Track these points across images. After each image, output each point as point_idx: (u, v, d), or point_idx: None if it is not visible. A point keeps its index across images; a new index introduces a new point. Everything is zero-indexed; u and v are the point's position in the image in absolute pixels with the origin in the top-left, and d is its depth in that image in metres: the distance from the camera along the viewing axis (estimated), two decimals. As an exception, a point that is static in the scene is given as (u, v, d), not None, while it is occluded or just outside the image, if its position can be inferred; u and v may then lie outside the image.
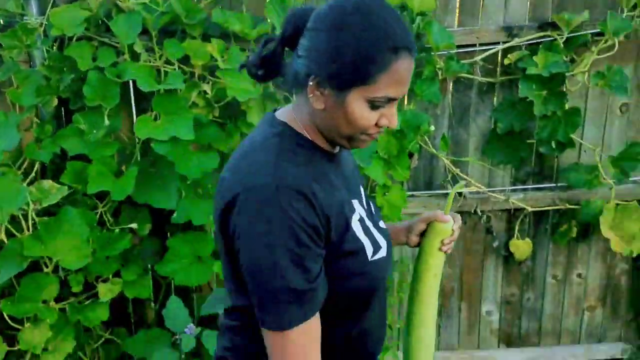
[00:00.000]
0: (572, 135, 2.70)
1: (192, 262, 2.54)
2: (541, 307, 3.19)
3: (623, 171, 2.69)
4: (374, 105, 1.15)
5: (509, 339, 3.24)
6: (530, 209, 2.91)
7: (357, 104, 1.15)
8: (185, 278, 2.52)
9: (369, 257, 1.25)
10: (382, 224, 1.41)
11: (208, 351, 2.30)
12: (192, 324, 2.41)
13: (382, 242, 1.32)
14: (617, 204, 2.76)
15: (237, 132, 2.54)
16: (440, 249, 1.44)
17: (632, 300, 3.18)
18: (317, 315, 1.16)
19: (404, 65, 1.14)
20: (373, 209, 1.41)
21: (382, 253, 1.30)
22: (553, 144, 2.63)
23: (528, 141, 2.79)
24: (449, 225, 1.41)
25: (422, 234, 1.48)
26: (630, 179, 2.84)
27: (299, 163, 1.18)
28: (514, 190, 2.99)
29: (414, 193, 2.93)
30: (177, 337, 2.41)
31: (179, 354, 2.31)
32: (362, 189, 1.42)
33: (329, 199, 1.18)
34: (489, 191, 2.87)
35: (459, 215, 1.50)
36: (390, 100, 1.17)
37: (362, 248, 1.24)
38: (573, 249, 3.08)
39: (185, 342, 2.33)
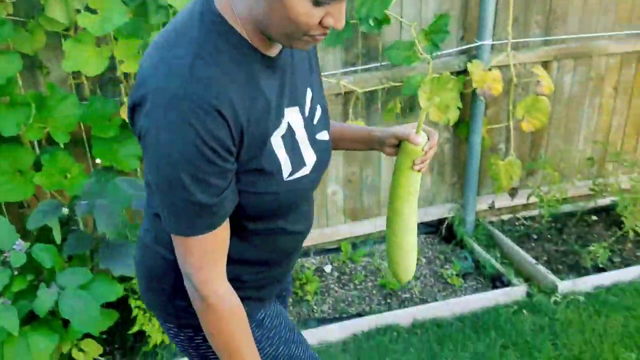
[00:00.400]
0: (389, 12, 2.71)
1: (11, 176, 2.31)
2: (379, 182, 3.37)
3: (434, 43, 2.76)
4: (317, 1, 0.97)
5: (354, 214, 3.41)
6: (360, 91, 2.96)
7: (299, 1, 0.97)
8: (7, 194, 2.31)
9: (284, 177, 1.15)
10: (322, 134, 1.28)
11: (40, 264, 2.17)
12: (20, 240, 2.24)
13: (310, 158, 1.21)
14: (434, 78, 2.88)
15: (40, 29, 2.26)
16: (412, 168, 1.34)
17: (455, 165, 3.45)
18: (223, 224, 1.11)
19: None
20: (318, 117, 1.27)
21: (305, 171, 1.19)
22: (370, 22, 2.62)
23: (351, 21, 2.77)
24: (419, 147, 1.32)
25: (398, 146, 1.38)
26: (443, 51, 2.94)
27: (220, 65, 1.02)
28: (344, 74, 3.01)
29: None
30: (5, 254, 2.24)
31: (10, 270, 2.15)
32: (309, 94, 1.25)
33: (248, 111, 1.06)
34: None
35: (436, 132, 1.36)
36: None
37: (277, 168, 1.13)
38: (401, 124, 3.22)
39: (15, 259, 2.17)
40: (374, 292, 3.03)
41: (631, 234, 3.23)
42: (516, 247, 3.21)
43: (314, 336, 2.62)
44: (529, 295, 2.88)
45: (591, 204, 3.50)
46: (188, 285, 1.15)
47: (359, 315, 2.83)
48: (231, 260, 1.18)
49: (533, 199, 3.37)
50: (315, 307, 2.94)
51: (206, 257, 1.11)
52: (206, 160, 1.01)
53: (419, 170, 1.35)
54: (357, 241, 3.41)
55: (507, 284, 3.00)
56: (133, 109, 1.06)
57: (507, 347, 2.54)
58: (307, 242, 3.30)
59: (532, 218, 3.57)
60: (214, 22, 1.05)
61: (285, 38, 1.05)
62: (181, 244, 1.11)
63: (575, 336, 2.57)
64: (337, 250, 3.35)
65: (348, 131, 1.50)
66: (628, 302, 2.79)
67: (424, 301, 2.96)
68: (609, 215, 3.52)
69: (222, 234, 1.12)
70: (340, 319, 2.80)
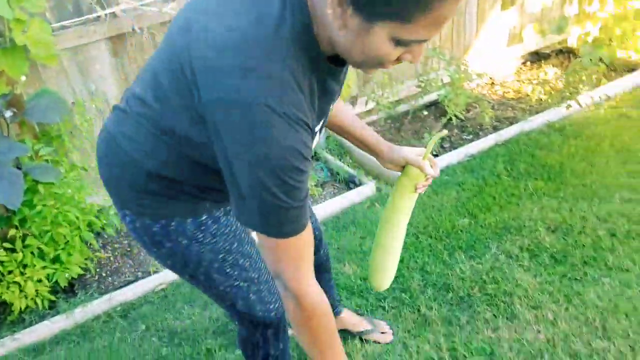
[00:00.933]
0: None
1: None
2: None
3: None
4: (400, 43, 0.92)
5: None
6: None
7: (382, 40, 0.92)
8: None
9: None
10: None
11: None
12: None
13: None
14: None
15: None
16: (415, 191, 1.44)
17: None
18: (308, 226, 1.11)
19: (449, 7, 0.87)
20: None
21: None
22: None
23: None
24: (425, 172, 1.42)
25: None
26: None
27: (300, 82, 0.98)
28: (165, 1, 2.81)
29: (64, 24, 2.54)
30: None
31: None
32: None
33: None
34: (141, 5, 2.64)
35: (436, 161, 1.46)
36: (421, 42, 0.93)
37: None
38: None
39: None
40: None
41: (455, 121, 3.52)
42: (363, 151, 3.35)
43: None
44: (378, 190, 3.06)
45: (421, 100, 3.74)
46: (279, 284, 1.18)
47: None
48: (194, 169, 1.19)
49: (371, 105, 3.51)
50: (184, 241, 2.87)
51: (297, 258, 1.12)
52: (301, 171, 1.01)
53: (419, 192, 1.47)
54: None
55: (359, 184, 3.16)
56: (189, 85, 1.01)
57: (364, 237, 2.69)
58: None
59: (374, 123, 3.74)
60: (301, 29, 0.99)
61: (359, 65, 1.02)
62: (272, 246, 1.10)
63: (419, 214, 2.79)
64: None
65: (360, 132, 1.56)
66: (459, 179, 3.06)
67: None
68: (437, 108, 3.79)
69: (308, 235, 1.12)
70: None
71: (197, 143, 1.11)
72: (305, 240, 1.12)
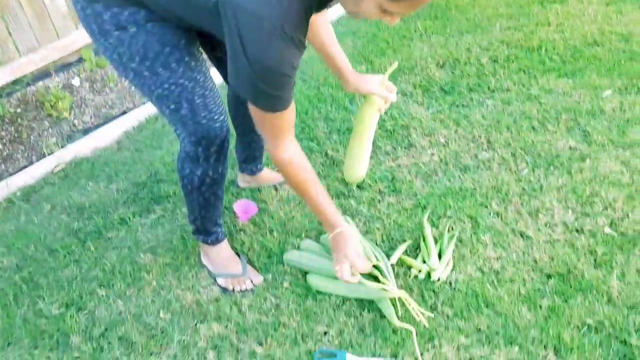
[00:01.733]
0: None
1: None
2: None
3: None
4: (386, 12, 1.15)
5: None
6: None
7: (372, 6, 1.14)
8: None
9: None
10: None
11: None
12: None
13: None
14: None
15: None
16: (377, 113, 1.72)
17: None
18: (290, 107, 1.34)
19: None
20: None
21: None
22: None
23: None
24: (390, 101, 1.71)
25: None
26: None
27: (307, 11, 1.20)
28: None
29: None
30: None
31: None
32: None
33: None
34: None
35: (394, 87, 1.71)
36: (402, 14, 1.17)
37: None
38: None
39: None
40: (133, 88, 2.85)
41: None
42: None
43: (86, 147, 2.44)
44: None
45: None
46: (266, 146, 1.46)
47: (125, 113, 2.69)
48: None
49: None
50: (75, 121, 2.69)
51: (277, 129, 1.37)
52: (289, 77, 1.24)
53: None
54: (99, 47, 3.08)
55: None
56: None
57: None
58: (45, 62, 2.89)
59: None
60: None
61: (348, 12, 1.23)
62: (258, 115, 1.34)
63: (317, 66, 2.76)
64: (80, 61, 3.00)
65: (336, 54, 1.69)
66: (352, 28, 3.05)
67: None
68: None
69: (290, 114, 1.36)
70: (106, 123, 2.63)
71: None
72: (286, 118, 1.35)
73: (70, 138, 2.54)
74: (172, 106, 1.43)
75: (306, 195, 1.52)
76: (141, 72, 1.38)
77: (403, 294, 1.55)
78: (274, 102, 1.30)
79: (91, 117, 2.68)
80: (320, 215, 1.56)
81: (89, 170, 2.33)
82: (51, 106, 2.67)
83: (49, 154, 2.42)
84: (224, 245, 1.84)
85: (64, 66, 2.95)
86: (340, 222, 1.55)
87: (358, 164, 1.82)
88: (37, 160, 2.40)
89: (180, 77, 1.39)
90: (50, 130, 2.62)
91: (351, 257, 1.51)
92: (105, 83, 2.87)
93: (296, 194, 1.55)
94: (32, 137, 2.54)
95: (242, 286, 1.77)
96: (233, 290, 1.76)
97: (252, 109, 1.34)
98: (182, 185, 1.67)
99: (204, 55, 1.53)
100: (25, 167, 2.36)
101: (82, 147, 2.43)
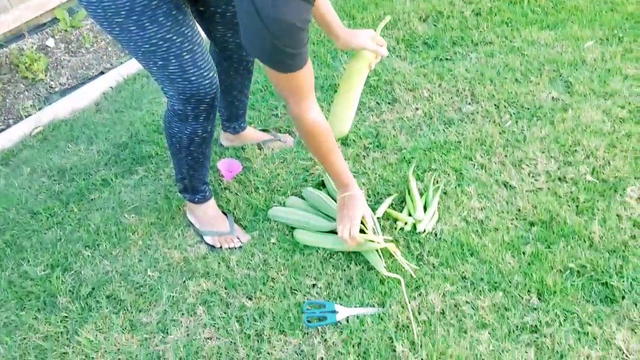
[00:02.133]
0: None
1: None
2: None
3: None
4: None
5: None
6: None
7: None
8: None
9: None
10: None
11: None
12: None
13: None
14: None
15: None
16: (368, 69, 1.67)
17: None
18: (307, 64, 1.31)
19: None
20: None
21: None
22: None
23: None
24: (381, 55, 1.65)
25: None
26: None
27: None
28: None
29: None
30: None
31: None
32: None
33: None
34: None
35: (384, 41, 1.65)
36: None
37: None
38: None
39: None
40: (110, 48, 2.76)
41: None
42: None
43: (64, 109, 2.37)
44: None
45: None
46: (288, 111, 1.49)
47: (102, 74, 2.61)
48: None
49: None
50: (52, 83, 2.60)
51: (297, 91, 1.34)
52: (303, 30, 1.19)
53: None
54: (72, 5, 2.96)
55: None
56: None
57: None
58: (17, 23, 2.78)
59: None
60: None
61: None
62: (276, 79, 1.30)
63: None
64: (54, 21, 2.89)
65: (327, 11, 1.60)
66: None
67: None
68: None
69: (308, 73, 1.32)
70: (83, 84, 2.55)
71: None
72: (306, 77, 1.32)
73: (47, 100, 2.47)
74: (160, 62, 1.38)
75: (328, 158, 1.52)
76: (128, 26, 1.31)
77: (391, 246, 1.56)
78: (292, 61, 1.26)
79: (68, 79, 2.60)
80: (338, 176, 1.58)
81: (68, 132, 2.28)
82: (26, 68, 2.58)
83: (26, 117, 2.35)
84: (211, 203, 1.82)
85: (37, 27, 2.85)
86: (355, 185, 1.60)
87: (344, 119, 1.79)
88: (14, 123, 2.33)
89: (169, 32, 1.33)
90: (26, 92, 2.54)
91: (354, 220, 1.55)
92: (81, 44, 2.77)
93: (315, 156, 1.54)
94: (7, 100, 2.46)
95: (230, 244, 1.76)
96: (221, 247, 1.76)
97: (272, 75, 1.30)
98: (170, 144, 1.64)
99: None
100: (2, 130, 2.30)
101: (60, 109, 2.36)
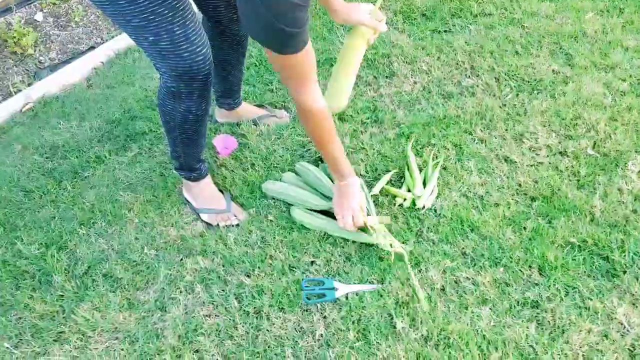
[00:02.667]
0: None
1: None
2: None
3: None
4: None
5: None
6: None
7: None
8: None
9: None
10: None
11: None
12: None
13: None
14: None
15: None
16: (366, 45, 1.60)
17: None
18: (308, 47, 1.26)
19: None
20: None
21: None
22: None
23: None
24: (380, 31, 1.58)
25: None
26: None
27: None
28: None
29: None
30: None
31: None
32: None
33: None
34: None
35: (384, 15, 1.58)
36: None
37: None
38: None
39: None
40: (100, 22, 2.68)
41: None
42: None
43: (54, 84, 2.31)
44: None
45: None
46: (291, 94, 1.38)
47: (92, 48, 2.54)
48: None
49: None
50: (41, 58, 2.53)
51: (299, 75, 1.31)
52: (301, 7, 1.13)
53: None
54: (60, -22, 2.87)
55: None
56: None
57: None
58: (2, -3, 2.69)
59: None
60: None
61: None
62: (277, 62, 1.26)
63: None
64: (41, -6, 2.81)
65: None
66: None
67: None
68: None
69: (309, 56, 1.28)
70: (74, 58, 2.48)
71: None
72: (307, 60, 1.28)
73: (37, 76, 2.40)
74: (151, 38, 1.33)
75: (327, 145, 1.49)
76: (117, 0, 1.26)
77: (399, 249, 1.53)
78: (292, 41, 1.21)
79: (57, 54, 2.53)
80: (336, 164, 1.54)
81: (59, 109, 2.22)
82: (14, 43, 2.50)
83: (15, 93, 2.29)
84: (207, 181, 1.79)
85: (25, 0, 2.76)
86: (353, 174, 1.57)
87: (341, 95, 1.75)
88: (4, 99, 2.27)
89: (160, 5, 1.27)
90: (15, 68, 2.47)
91: (356, 211, 1.53)
92: (70, 18, 2.69)
93: (315, 141, 1.51)
94: (-5, 76, 2.40)
95: (227, 222, 1.73)
96: (218, 225, 1.73)
97: (272, 58, 1.25)
98: (164, 121, 1.59)
99: None
100: (-9, 107, 2.24)
101: (51, 84, 2.30)
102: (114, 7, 1.28)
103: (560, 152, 1.74)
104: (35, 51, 2.51)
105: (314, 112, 1.39)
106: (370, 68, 2.19)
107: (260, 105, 2.13)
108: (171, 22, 1.31)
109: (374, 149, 1.85)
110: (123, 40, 2.47)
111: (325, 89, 1.79)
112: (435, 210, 1.62)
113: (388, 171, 1.75)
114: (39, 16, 2.69)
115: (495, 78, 2.05)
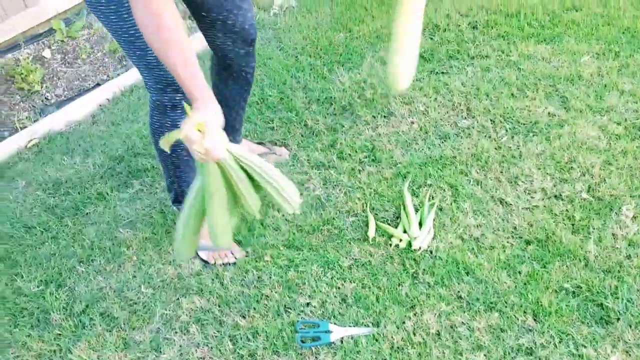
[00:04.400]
0: None
1: None
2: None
3: None
4: None
5: (52, -13, 2.87)
6: None
7: None
8: None
9: None
10: None
11: None
12: None
13: None
14: None
15: None
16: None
17: None
18: None
19: None
20: None
21: None
22: None
23: None
24: None
25: None
26: None
27: None
28: None
29: None
30: None
31: None
32: None
33: None
34: None
35: None
36: None
37: None
38: None
39: None
40: (107, 59, 2.75)
41: None
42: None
43: (60, 121, 2.35)
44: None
45: None
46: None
47: (98, 85, 2.59)
48: None
49: None
50: (48, 94, 2.58)
51: None
52: None
53: None
54: (69, 15, 2.95)
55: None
56: None
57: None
58: (13, 33, 2.77)
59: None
60: None
61: None
62: None
63: (296, 35, 2.71)
64: (50, 31, 2.88)
65: None
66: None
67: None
68: None
69: None
70: (79, 95, 2.53)
71: None
72: None
73: (43, 112, 2.45)
74: (139, 52, 1.41)
75: (177, 57, 1.20)
76: (108, 15, 1.35)
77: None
78: None
79: (64, 90, 2.58)
80: (183, 81, 1.24)
81: (63, 145, 2.26)
82: (22, 79, 2.56)
83: (21, 129, 2.34)
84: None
85: (33, 37, 2.83)
86: (212, 98, 1.28)
87: (405, 71, 1.68)
88: (10, 135, 2.32)
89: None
90: (21, 103, 2.52)
91: (211, 125, 1.21)
92: (77, 55, 2.76)
93: (161, 55, 1.21)
94: (2, 112, 2.45)
95: (224, 259, 1.75)
96: (215, 263, 1.74)
97: None
98: (154, 142, 1.63)
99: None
100: (-3, 142, 2.28)
101: (56, 121, 2.35)
102: (106, 21, 1.38)
103: (555, 196, 1.76)
104: (42, 87, 2.57)
105: (161, 12, 1.16)
106: (368, 107, 2.23)
107: (260, 143, 2.16)
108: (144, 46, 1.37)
109: (371, 188, 1.88)
110: (129, 78, 2.53)
111: (387, 67, 1.77)
112: (431, 252, 1.63)
113: (385, 211, 1.77)
114: (47, 53, 2.76)
115: (491, 120, 2.08)
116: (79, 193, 2.05)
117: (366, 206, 1.81)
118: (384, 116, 2.19)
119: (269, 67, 2.54)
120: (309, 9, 2.88)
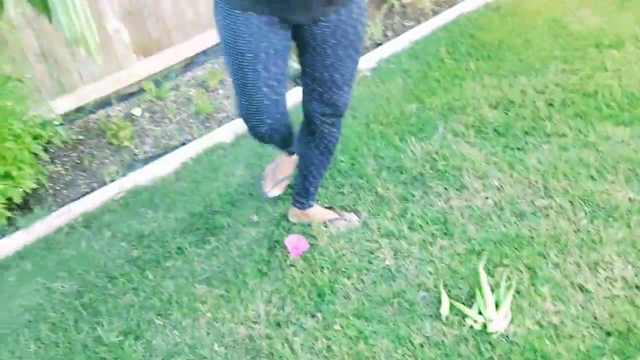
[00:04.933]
0: None
1: None
2: (159, 8, 3.07)
3: None
4: None
5: (145, 49, 3.12)
6: None
7: None
8: None
9: None
10: None
11: None
12: None
13: None
14: None
15: None
16: None
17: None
18: None
19: None
20: None
21: None
22: None
23: None
24: None
25: None
26: None
27: None
28: None
29: None
30: None
31: None
32: None
33: None
34: None
35: None
36: None
37: None
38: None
39: None
40: (191, 120, 2.93)
41: (396, 7, 3.46)
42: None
43: (145, 176, 2.51)
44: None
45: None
46: None
47: (183, 144, 2.76)
48: None
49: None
50: (136, 150, 2.77)
51: None
52: None
53: None
54: (159, 77, 3.19)
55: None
56: None
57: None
58: (106, 91, 3.01)
59: None
60: None
61: None
62: None
63: (369, 104, 2.80)
64: (141, 91, 3.11)
65: None
66: (404, 66, 3.07)
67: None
68: (377, -3, 3.69)
69: None
70: (165, 153, 2.70)
71: None
72: None
73: (130, 167, 2.63)
74: (232, 75, 1.63)
75: None
76: (221, 48, 1.62)
77: None
78: None
79: (151, 147, 2.76)
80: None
81: (148, 199, 2.40)
82: (112, 135, 2.77)
83: (110, 182, 2.51)
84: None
85: (125, 96, 3.07)
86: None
87: None
88: (99, 187, 2.49)
89: (231, 56, 1.57)
90: (111, 158, 2.71)
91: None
92: (164, 114, 2.96)
93: None
94: (93, 165, 2.64)
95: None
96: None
97: None
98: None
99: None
100: (86, 193, 2.45)
101: (142, 175, 2.50)
102: (220, 31, 1.58)
103: (637, 286, 1.70)
104: (131, 144, 2.76)
105: None
106: (440, 179, 2.26)
107: (330, 208, 2.22)
108: (235, 74, 1.59)
109: (443, 263, 1.87)
110: (211, 139, 2.68)
111: None
112: (508, 337, 1.60)
113: (459, 288, 1.76)
114: (137, 111, 2.98)
115: (570, 201, 2.05)
116: (160, 246, 2.15)
117: (439, 282, 1.81)
118: (457, 189, 2.20)
119: (342, 133, 2.63)
120: (382, 79, 2.99)
